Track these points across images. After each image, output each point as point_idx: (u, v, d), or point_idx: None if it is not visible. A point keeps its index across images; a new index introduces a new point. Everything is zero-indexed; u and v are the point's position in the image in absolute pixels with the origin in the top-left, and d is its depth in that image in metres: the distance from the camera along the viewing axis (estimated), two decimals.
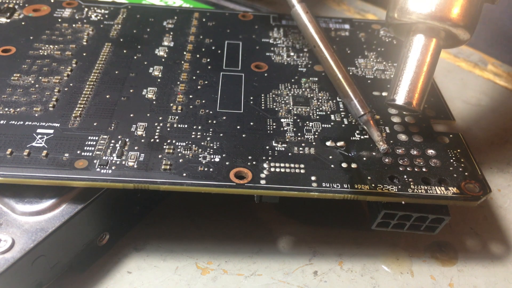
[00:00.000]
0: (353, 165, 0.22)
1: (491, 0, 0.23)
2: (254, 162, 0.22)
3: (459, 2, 0.22)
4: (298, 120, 0.24)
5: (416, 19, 0.22)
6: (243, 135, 0.23)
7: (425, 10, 0.22)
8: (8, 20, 0.30)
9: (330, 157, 0.22)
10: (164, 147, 0.22)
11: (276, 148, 0.23)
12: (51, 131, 0.22)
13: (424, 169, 0.22)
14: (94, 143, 0.22)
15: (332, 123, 0.24)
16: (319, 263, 0.24)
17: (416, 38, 0.23)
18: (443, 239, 0.26)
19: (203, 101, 0.25)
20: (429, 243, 0.26)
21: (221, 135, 0.23)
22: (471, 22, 0.22)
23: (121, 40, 0.29)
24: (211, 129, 0.23)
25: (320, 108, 0.25)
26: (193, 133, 0.23)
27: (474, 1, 0.22)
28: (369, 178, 0.22)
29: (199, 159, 0.22)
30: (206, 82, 0.26)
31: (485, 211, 0.28)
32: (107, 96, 0.25)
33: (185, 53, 0.29)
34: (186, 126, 0.23)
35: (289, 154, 0.22)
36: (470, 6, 0.22)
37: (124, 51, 0.28)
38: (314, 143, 0.23)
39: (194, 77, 0.27)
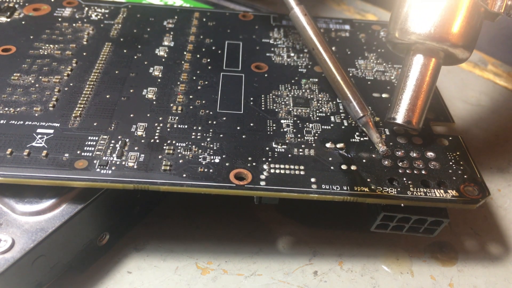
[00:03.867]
0: (353, 167, 0.22)
1: (491, 18, 0.23)
2: (254, 163, 0.22)
3: (457, 23, 0.22)
4: (298, 121, 0.24)
5: (415, 40, 0.23)
6: (243, 136, 0.23)
7: (424, 31, 0.22)
8: (8, 20, 0.30)
9: (330, 158, 0.23)
10: (164, 147, 0.22)
11: (276, 150, 0.23)
12: (51, 131, 0.22)
13: (423, 172, 0.22)
14: (94, 143, 0.22)
15: (332, 125, 0.24)
16: (319, 263, 0.24)
17: (415, 58, 0.23)
18: (443, 239, 0.26)
19: (203, 102, 0.25)
20: (429, 243, 0.26)
21: (221, 136, 0.23)
22: (469, 41, 0.23)
23: (121, 39, 0.29)
24: (211, 130, 0.23)
25: (320, 110, 0.25)
26: (193, 133, 0.23)
27: (473, 21, 0.22)
28: (368, 180, 0.22)
29: (199, 160, 0.22)
30: (206, 83, 0.26)
31: (485, 211, 0.28)
32: (107, 96, 0.25)
33: (185, 53, 0.29)
34: (186, 126, 0.23)
35: (289, 155, 0.22)
36: (469, 26, 0.22)
37: (124, 51, 0.28)
38: (314, 145, 0.23)
39: (194, 77, 0.27)
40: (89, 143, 0.22)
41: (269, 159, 0.22)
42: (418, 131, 0.24)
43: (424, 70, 0.23)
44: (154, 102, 0.25)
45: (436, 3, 0.22)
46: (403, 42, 0.23)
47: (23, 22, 0.30)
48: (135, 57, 0.28)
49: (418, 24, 0.23)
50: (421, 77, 0.23)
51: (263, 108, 0.25)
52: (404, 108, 0.23)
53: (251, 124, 0.24)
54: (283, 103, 0.26)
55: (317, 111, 0.25)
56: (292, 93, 0.26)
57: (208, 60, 0.28)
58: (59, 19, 0.30)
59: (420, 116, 0.23)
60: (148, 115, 0.24)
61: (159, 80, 0.26)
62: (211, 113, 0.24)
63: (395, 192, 0.21)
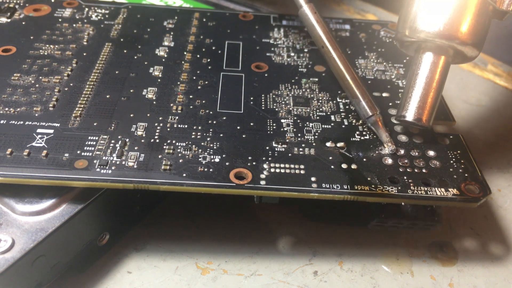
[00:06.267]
0: (353, 166, 0.22)
1: (499, 16, 0.23)
2: (254, 163, 0.22)
3: (466, 21, 0.22)
4: (298, 121, 0.24)
5: (425, 38, 0.23)
6: (243, 136, 0.23)
7: (433, 29, 0.23)
8: (9, 20, 0.30)
9: (330, 157, 0.22)
10: (164, 147, 0.22)
11: (276, 149, 0.23)
12: (51, 131, 0.22)
13: (424, 170, 0.22)
14: (94, 143, 0.22)
15: (332, 124, 0.24)
16: (319, 263, 0.24)
17: (425, 56, 0.23)
18: (443, 239, 0.26)
19: (203, 101, 0.25)
20: (429, 243, 0.26)
21: (221, 135, 0.23)
22: (479, 39, 0.23)
23: (122, 40, 0.29)
24: (211, 130, 0.23)
25: (320, 109, 0.25)
26: (193, 133, 0.23)
27: (482, 19, 0.23)
28: (369, 179, 0.22)
29: (199, 159, 0.22)
30: (206, 82, 0.26)
31: (485, 211, 0.28)
32: (107, 96, 0.25)
33: (185, 53, 0.29)
34: (186, 126, 0.23)
35: (289, 154, 0.22)
36: (478, 24, 0.22)
37: (125, 51, 0.28)
38: (314, 144, 0.23)
39: (194, 77, 0.27)
40: (89, 143, 0.22)
41: (269, 159, 0.22)
42: (428, 128, 0.23)
43: (433, 67, 0.23)
44: (154, 102, 0.25)
45: (446, 1, 0.22)
46: (413, 40, 0.23)
47: (23, 23, 0.30)
48: (135, 57, 0.28)
49: (427, 22, 0.23)
50: (430, 74, 0.23)
51: (263, 108, 0.25)
52: (414, 105, 0.23)
53: (251, 124, 0.24)
54: (283, 102, 0.26)
55: (317, 111, 0.25)
56: (292, 93, 0.26)
57: (208, 60, 0.28)
58: (59, 20, 0.30)
59: (430, 114, 0.23)
60: (148, 115, 0.24)
61: (159, 80, 0.26)
62: (211, 112, 0.24)
63: (396, 191, 0.21)
